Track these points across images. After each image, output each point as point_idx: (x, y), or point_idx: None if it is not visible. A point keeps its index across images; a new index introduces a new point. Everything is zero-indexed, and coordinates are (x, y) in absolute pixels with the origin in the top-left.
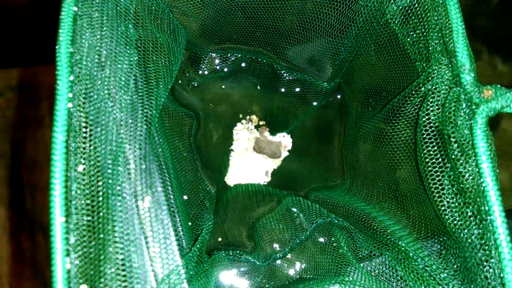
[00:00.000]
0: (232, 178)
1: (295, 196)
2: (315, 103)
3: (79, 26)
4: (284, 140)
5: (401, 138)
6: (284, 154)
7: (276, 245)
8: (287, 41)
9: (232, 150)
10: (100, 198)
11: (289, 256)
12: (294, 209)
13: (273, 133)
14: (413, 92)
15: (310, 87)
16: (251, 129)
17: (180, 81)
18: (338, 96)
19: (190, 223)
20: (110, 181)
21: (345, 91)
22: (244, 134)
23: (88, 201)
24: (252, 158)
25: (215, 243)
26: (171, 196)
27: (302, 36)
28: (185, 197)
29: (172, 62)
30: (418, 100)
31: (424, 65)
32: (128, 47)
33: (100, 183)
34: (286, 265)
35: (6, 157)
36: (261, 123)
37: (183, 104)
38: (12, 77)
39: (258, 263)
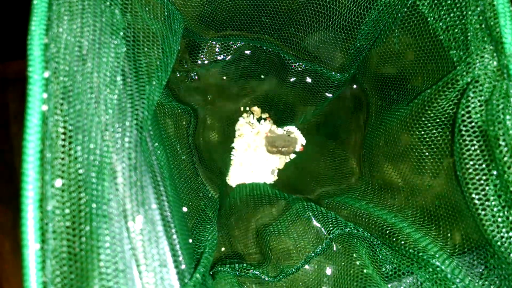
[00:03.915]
0: (234, 178)
1: (306, 201)
2: (326, 96)
3: (55, 13)
4: (296, 133)
5: (431, 139)
6: (298, 147)
7: (287, 258)
8: (296, 26)
9: (233, 147)
10: (83, 220)
11: (302, 272)
12: (306, 216)
13: (279, 125)
14: (449, 85)
15: (321, 78)
16: (252, 123)
17: (176, 73)
18: (354, 86)
19: (190, 240)
20: (94, 199)
21: (361, 82)
22: (246, 129)
23: (68, 223)
24: (255, 155)
25: (219, 254)
26: (168, 213)
27: (314, 21)
28: (185, 209)
29: (167, 53)
30: (455, 94)
31: (461, 54)
32: (114, 37)
33: (82, 201)
34: (299, 283)
35: (4, 152)
36: (264, 115)
37: (179, 99)
38: (8, 71)
39: (267, 279)
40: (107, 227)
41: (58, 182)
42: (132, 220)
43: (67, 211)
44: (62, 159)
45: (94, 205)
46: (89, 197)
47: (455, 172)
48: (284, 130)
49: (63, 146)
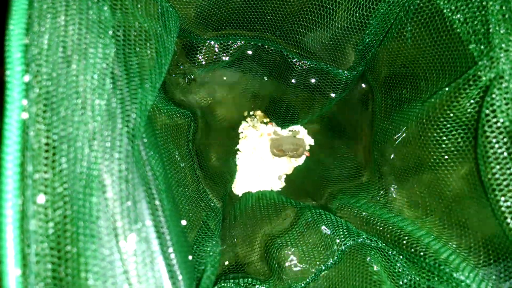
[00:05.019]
0: (240, 185)
1: (316, 209)
2: (333, 95)
3: (36, 10)
4: (301, 133)
5: (451, 141)
6: (306, 149)
7: (295, 272)
8: (300, 23)
9: (238, 150)
10: (69, 240)
11: (312, 287)
12: (316, 226)
13: (283, 127)
14: (470, 82)
15: (327, 77)
16: (256, 126)
17: (173, 76)
18: (363, 85)
19: (190, 257)
20: (81, 216)
21: (370, 80)
22: (250, 132)
23: (53, 244)
24: (262, 160)
25: (223, 268)
26: (164, 229)
27: (319, 16)
28: (184, 222)
29: (161, 54)
30: (477, 92)
31: (482, 48)
32: (102, 36)
33: (67, 220)
34: None
35: None
36: (265, 120)
37: (178, 102)
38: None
39: None
40: (96, 248)
41: (41, 198)
42: (124, 239)
43: (51, 231)
44: (45, 172)
45: (81, 224)
46: (75, 214)
47: (479, 177)
48: (289, 131)
49: (46, 158)
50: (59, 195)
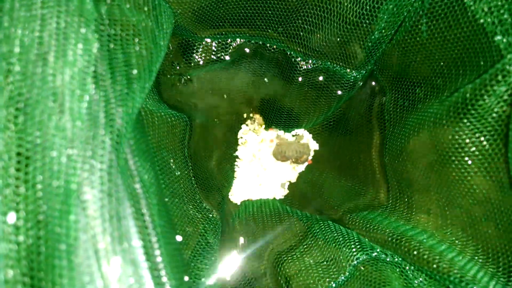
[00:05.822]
0: (239, 193)
1: (324, 219)
2: (340, 96)
3: (8, 2)
4: (306, 136)
5: (475, 144)
6: (311, 155)
7: None
8: (304, 18)
9: (237, 157)
10: (43, 265)
11: None
12: (324, 239)
13: (287, 130)
14: (498, 77)
15: (333, 77)
16: (256, 130)
17: (168, 76)
18: (373, 83)
19: (186, 278)
20: (57, 237)
21: (380, 79)
22: (251, 136)
23: (25, 270)
24: (262, 166)
25: (223, 284)
26: (155, 250)
27: (324, 11)
28: (179, 238)
29: (152, 51)
30: (505, 89)
31: (510, 39)
32: (84, 31)
33: (42, 241)
34: None
35: None
36: (263, 126)
37: (173, 105)
38: None
39: None
40: (75, 275)
41: (11, 217)
42: (107, 263)
43: (23, 254)
44: (17, 186)
45: (57, 246)
46: (51, 235)
47: (510, 184)
48: (293, 136)
49: (18, 170)
50: (33, 212)
